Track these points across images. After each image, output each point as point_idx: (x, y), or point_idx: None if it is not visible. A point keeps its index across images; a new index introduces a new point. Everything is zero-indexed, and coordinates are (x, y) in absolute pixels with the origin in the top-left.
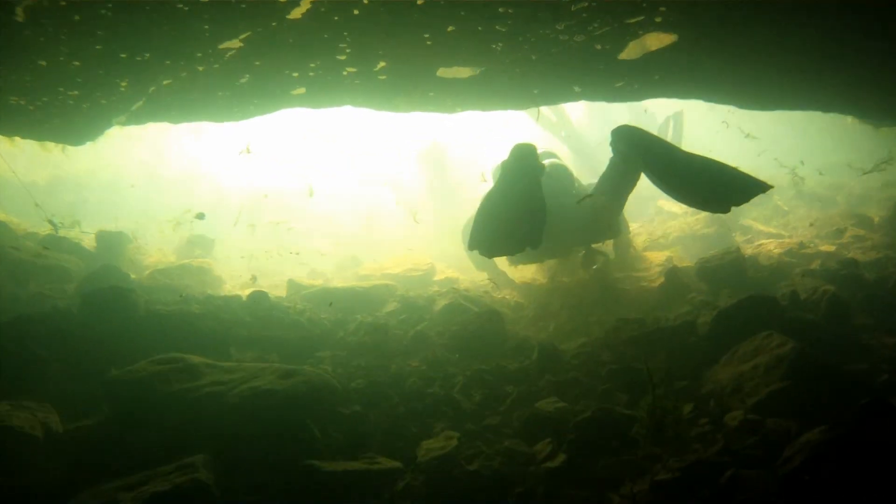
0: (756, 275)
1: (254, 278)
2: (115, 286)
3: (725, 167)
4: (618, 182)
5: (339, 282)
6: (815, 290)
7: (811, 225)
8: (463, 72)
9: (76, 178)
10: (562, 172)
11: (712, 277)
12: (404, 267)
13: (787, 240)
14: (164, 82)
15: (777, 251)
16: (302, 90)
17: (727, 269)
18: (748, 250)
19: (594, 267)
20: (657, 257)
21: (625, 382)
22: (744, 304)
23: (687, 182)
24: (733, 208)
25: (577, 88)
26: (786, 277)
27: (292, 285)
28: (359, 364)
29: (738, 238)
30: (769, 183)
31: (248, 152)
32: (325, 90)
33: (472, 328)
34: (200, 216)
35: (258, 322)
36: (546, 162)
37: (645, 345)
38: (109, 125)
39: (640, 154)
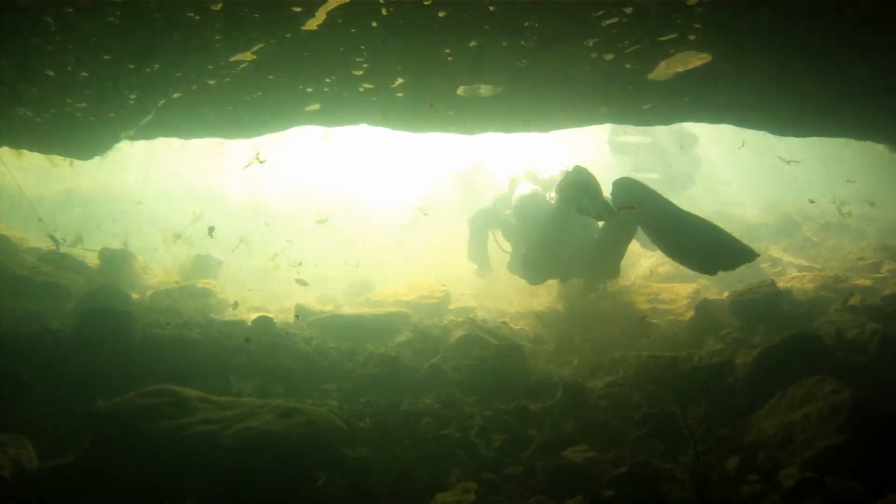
0: (792, 310)
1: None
2: (110, 307)
3: (718, 231)
4: (618, 231)
5: (349, 308)
6: (863, 329)
7: (845, 258)
8: (485, 90)
9: (88, 192)
10: None
11: (746, 312)
12: (418, 293)
13: (820, 272)
14: (174, 95)
15: (811, 285)
16: (316, 106)
17: (762, 303)
18: (781, 283)
19: (591, 295)
20: (684, 289)
21: (660, 429)
22: (787, 343)
23: (680, 242)
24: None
25: (603, 109)
26: (823, 313)
27: (300, 311)
28: (367, 400)
29: (767, 269)
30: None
31: (260, 161)
32: (340, 107)
33: (491, 363)
34: (211, 231)
35: (262, 350)
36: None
37: (679, 386)
38: (118, 139)
39: (639, 209)
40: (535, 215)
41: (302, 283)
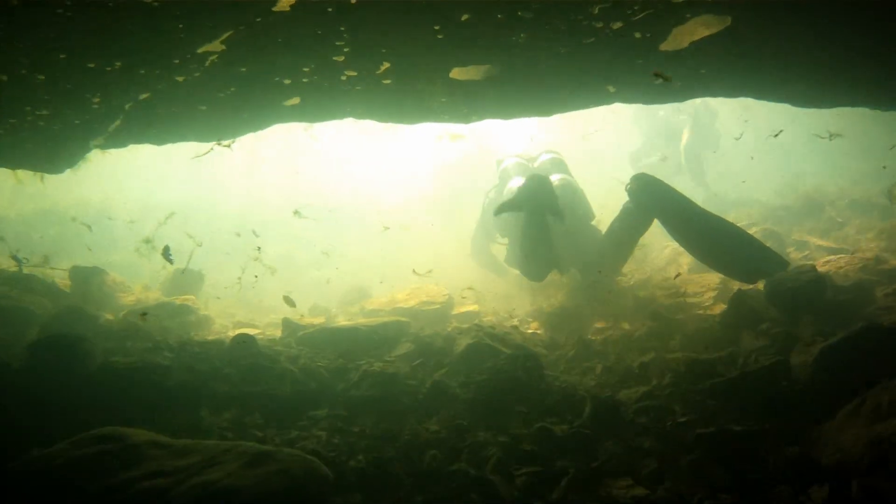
0: (836, 297)
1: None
2: (61, 335)
3: (743, 235)
4: (632, 228)
5: (343, 318)
6: None
7: (879, 237)
8: (478, 72)
9: (65, 209)
10: (569, 190)
11: (788, 302)
12: (418, 300)
13: (855, 254)
14: (142, 96)
15: (849, 268)
16: (296, 100)
17: (805, 291)
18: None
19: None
20: (710, 280)
21: (718, 452)
22: (856, 338)
23: (703, 244)
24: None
25: (611, 88)
26: (872, 300)
27: (288, 325)
28: (362, 429)
29: (794, 254)
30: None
31: (226, 145)
32: (322, 99)
33: (504, 376)
34: (166, 252)
35: (241, 374)
36: (555, 178)
37: (728, 394)
38: (87, 149)
39: (659, 208)
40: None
41: (289, 302)
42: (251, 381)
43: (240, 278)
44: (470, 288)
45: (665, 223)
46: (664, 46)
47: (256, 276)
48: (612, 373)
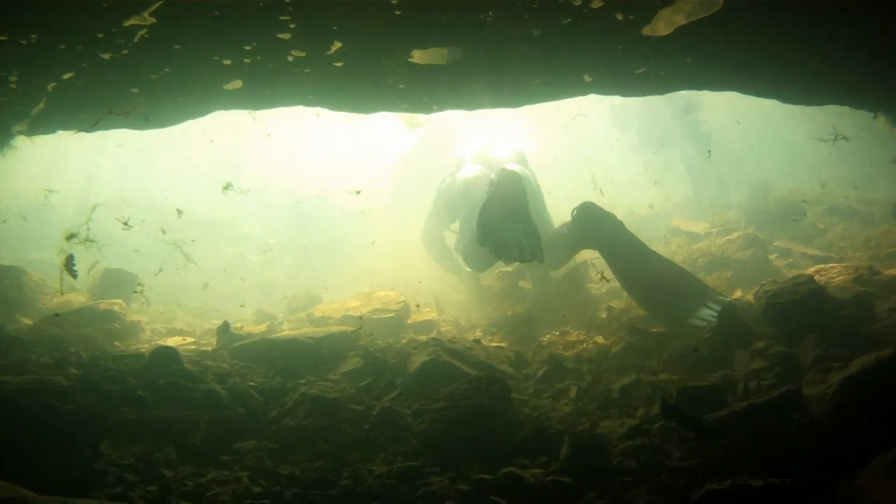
0: (837, 312)
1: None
2: None
3: (689, 279)
4: (567, 248)
5: (289, 326)
6: None
7: (866, 245)
8: (441, 55)
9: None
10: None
11: (785, 317)
12: (371, 306)
13: (848, 264)
14: (65, 76)
15: (841, 278)
16: (238, 83)
17: (804, 305)
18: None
19: None
20: None
21: None
22: (885, 367)
23: (640, 283)
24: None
25: (587, 77)
26: (875, 315)
27: (223, 335)
28: (292, 472)
29: (777, 262)
30: None
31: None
32: (266, 83)
33: (465, 405)
34: (69, 264)
35: (156, 396)
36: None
37: (731, 430)
38: (10, 135)
39: (599, 242)
40: (480, 199)
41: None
42: (168, 405)
43: (157, 274)
44: (422, 306)
45: (605, 257)
46: (647, 31)
47: (178, 270)
48: (589, 397)
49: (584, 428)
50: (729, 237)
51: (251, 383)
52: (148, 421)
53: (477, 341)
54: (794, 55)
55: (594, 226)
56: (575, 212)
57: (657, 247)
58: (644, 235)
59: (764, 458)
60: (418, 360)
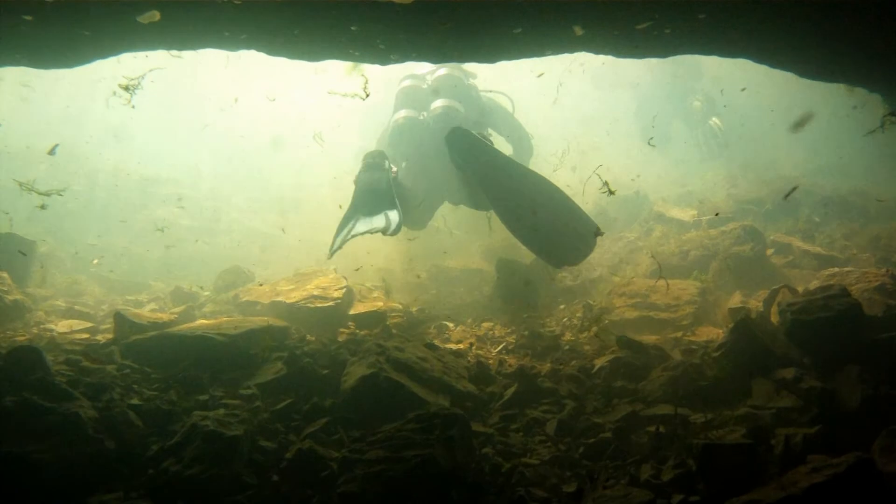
0: (875, 334)
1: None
2: None
3: (568, 207)
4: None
5: (210, 310)
6: None
7: (873, 245)
8: None
9: None
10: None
11: (814, 338)
12: (307, 292)
13: (868, 270)
14: None
15: (861, 286)
16: (154, 15)
17: (837, 325)
18: (816, 284)
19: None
20: (683, 289)
21: None
22: None
23: (518, 221)
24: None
25: (578, 29)
26: None
27: (122, 324)
28: None
29: (776, 259)
30: None
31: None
32: (189, 16)
33: (411, 462)
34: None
35: None
36: (438, 103)
37: None
38: None
39: (471, 169)
40: (408, 144)
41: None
42: (10, 436)
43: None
44: (369, 289)
45: (481, 186)
46: None
47: (99, 235)
48: (573, 435)
49: (571, 491)
50: (724, 228)
51: (134, 401)
52: None
53: (431, 346)
54: (828, 26)
55: (458, 148)
56: (445, 140)
57: (637, 232)
58: (625, 220)
59: None
60: (356, 372)
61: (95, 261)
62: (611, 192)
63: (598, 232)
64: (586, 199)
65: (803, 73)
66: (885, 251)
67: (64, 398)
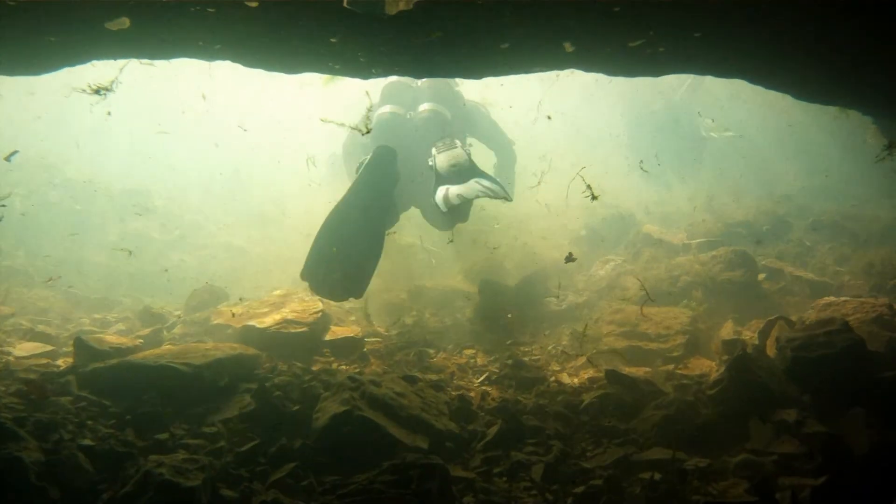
0: (878, 371)
1: None
2: None
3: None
4: None
5: (179, 332)
6: None
7: (867, 271)
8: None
9: None
10: (435, 123)
11: (815, 377)
12: (280, 316)
13: (865, 300)
14: None
15: (859, 317)
16: (124, 21)
17: (840, 362)
18: (811, 314)
19: None
20: (673, 317)
21: None
22: None
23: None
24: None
25: (568, 46)
26: None
27: (82, 350)
28: None
29: (767, 285)
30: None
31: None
32: (161, 24)
33: None
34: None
35: None
36: (425, 106)
37: None
38: None
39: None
40: (390, 140)
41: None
42: None
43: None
44: (345, 312)
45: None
46: None
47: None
48: (561, 482)
49: None
50: (715, 253)
51: (86, 441)
52: None
53: (410, 378)
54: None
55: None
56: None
57: (624, 254)
58: (612, 242)
59: None
60: (329, 409)
61: (49, 279)
62: (594, 198)
63: (570, 258)
64: (571, 217)
65: (800, 95)
66: (878, 278)
67: (8, 438)
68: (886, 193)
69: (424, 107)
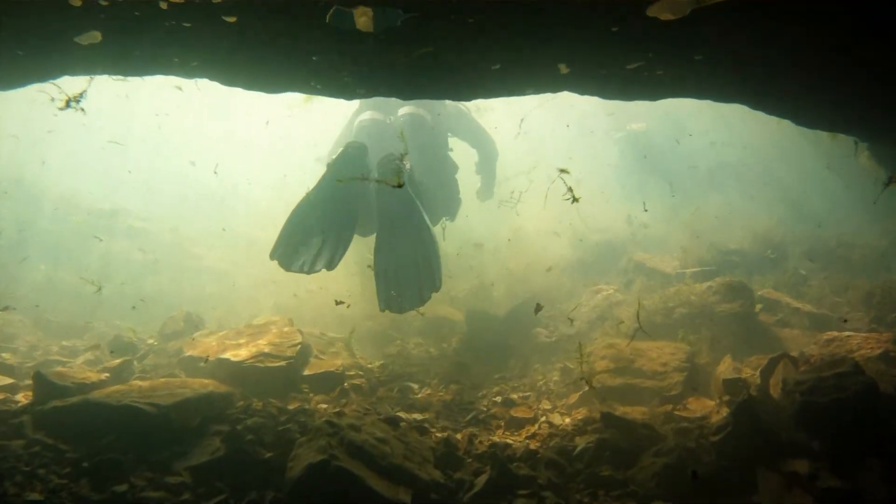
0: (892, 417)
1: None
2: None
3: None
4: None
5: (151, 362)
6: None
7: (867, 302)
8: (368, 19)
9: None
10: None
11: (827, 424)
12: (256, 348)
13: (869, 334)
14: None
15: (865, 353)
16: (95, 36)
17: (853, 408)
18: (814, 350)
19: None
20: (672, 353)
21: None
22: None
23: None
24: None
25: (563, 68)
26: None
27: (42, 385)
28: None
29: (764, 317)
30: None
31: None
32: (133, 39)
33: None
34: None
35: None
36: (404, 110)
37: None
38: None
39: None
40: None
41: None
42: None
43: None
44: (329, 343)
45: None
46: (654, 11)
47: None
48: None
49: None
50: (710, 283)
51: (34, 495)
52: None
53: (392, 421)
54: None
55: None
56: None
57: (616, 283)
58: (602, 270)
59: None
60: (304, 458)
61: (6, 307)
62: (575, 200)
63: (538, 308)
64: (562, 242)
65: (800, 120)
66: (878, 310)
67: None
68: (879, 219)
69: (404, 110)
